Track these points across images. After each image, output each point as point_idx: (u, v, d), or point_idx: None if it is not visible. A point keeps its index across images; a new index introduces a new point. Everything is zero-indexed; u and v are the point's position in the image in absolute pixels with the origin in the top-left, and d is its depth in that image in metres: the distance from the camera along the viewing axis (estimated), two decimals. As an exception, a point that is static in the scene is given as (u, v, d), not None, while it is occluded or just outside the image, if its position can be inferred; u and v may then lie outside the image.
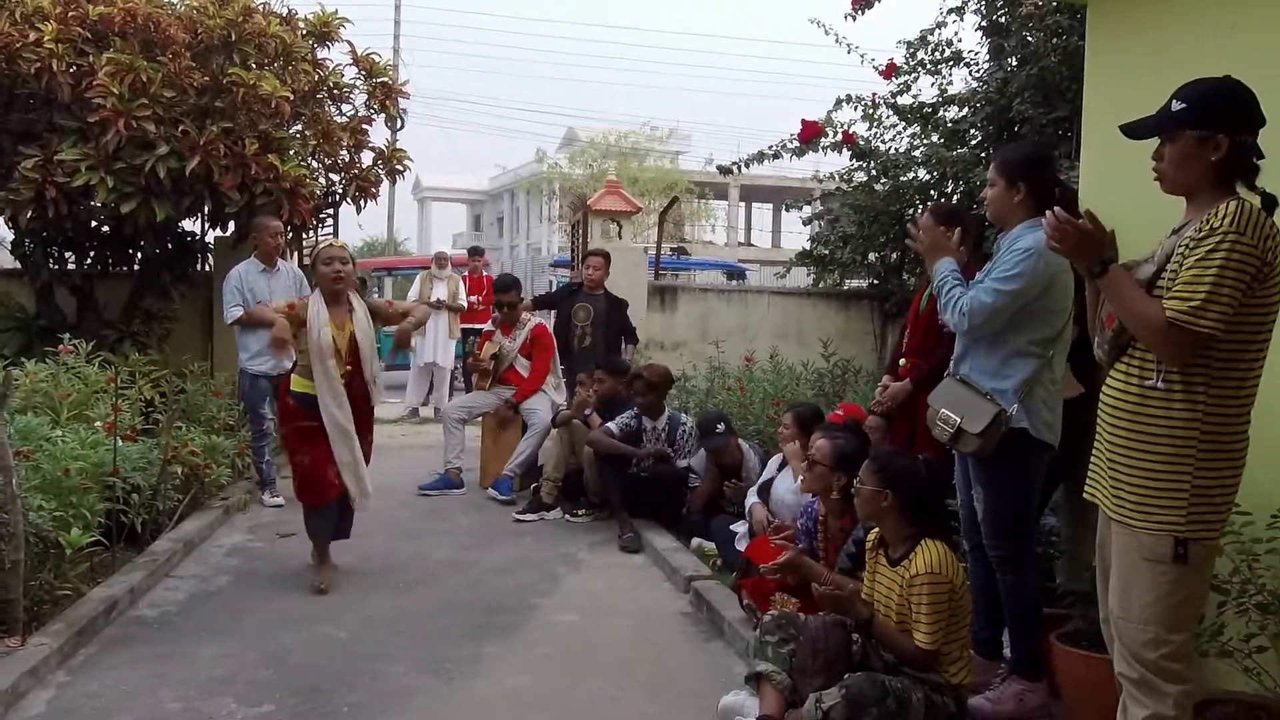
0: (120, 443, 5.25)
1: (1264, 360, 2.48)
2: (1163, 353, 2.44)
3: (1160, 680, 2.48)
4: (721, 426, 5.97)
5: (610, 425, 6.39)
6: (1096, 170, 4.04)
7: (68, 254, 8.17)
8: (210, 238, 8.65)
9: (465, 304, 11.42)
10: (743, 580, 4.42)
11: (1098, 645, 3.04)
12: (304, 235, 8.88)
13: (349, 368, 4.94)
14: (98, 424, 5.46)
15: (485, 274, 12.09)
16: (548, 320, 7.99)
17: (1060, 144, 6.20)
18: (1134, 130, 2.60)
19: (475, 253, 12.95)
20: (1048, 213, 2.55)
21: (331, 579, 5.07)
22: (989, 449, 3.36)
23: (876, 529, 3.54)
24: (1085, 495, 2.74)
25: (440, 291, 11.25)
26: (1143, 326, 2.45)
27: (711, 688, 3.77)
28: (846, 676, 3.21)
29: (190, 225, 8.34)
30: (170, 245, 8.19)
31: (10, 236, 7.93)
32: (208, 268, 8.78)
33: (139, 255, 8.23)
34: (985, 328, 3.39)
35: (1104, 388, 2.63)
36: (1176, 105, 2.50)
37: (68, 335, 6.67)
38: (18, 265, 8.22)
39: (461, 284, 11.57)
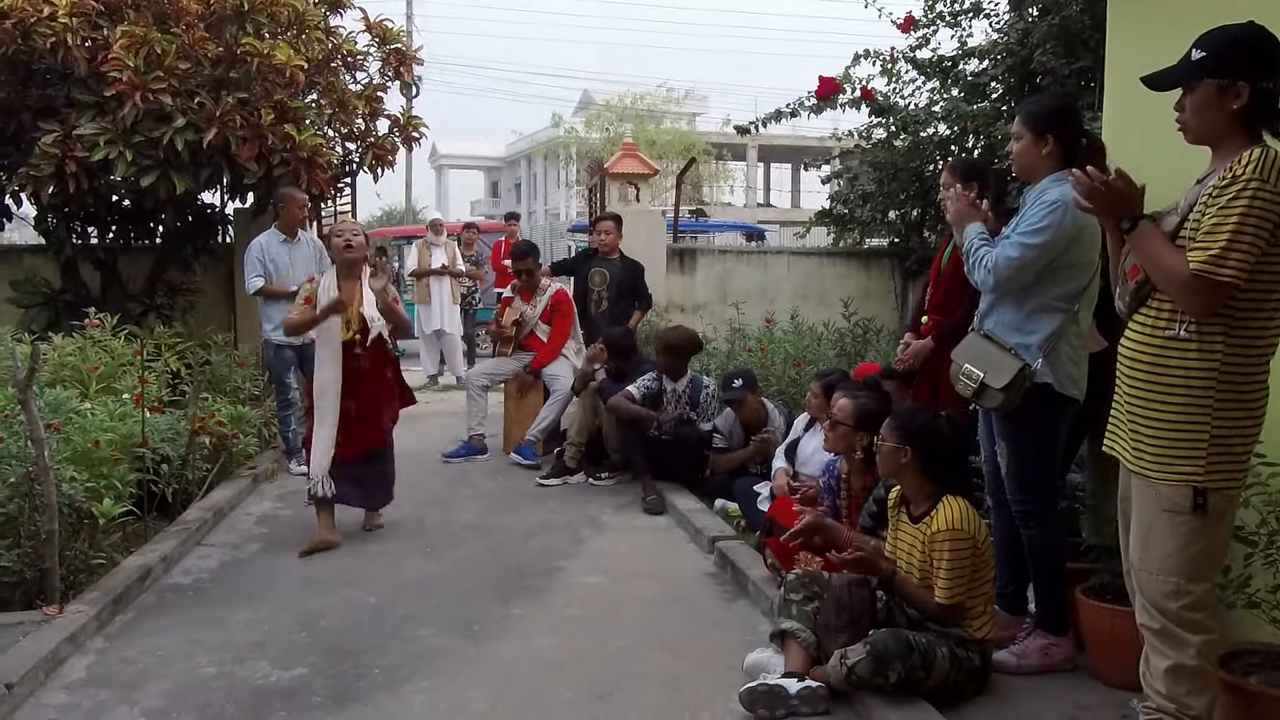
0: (148, 414, 5.32)
1: None
2: (1188, 305, 2.42)
3: (1182, 630, 2.49)
4: (739, 382, 5.98)
5: (631, 389, 6.40)
6: (1120, 121, 3.98)
7: (90, 229, 8.25)
8: (230, 209, 8.69)
9: (464, 269, 11.49)
10: (767, 539, 4.44)
11: (1123, 599, 3.04)
12: (322, 205, 8.90)
13: (359, 335, 5.06)
14: (125, 396, 5.54)
15: (520, 238, 12.14)
16: (568, 286, 7.99)
17: (1083, 95, 6.10)
18: (1155, 82, 2.57)
19: (511, 218, 13.15)
20: (1074, 171, 2.52)
21: (320, 543, 5.14)
22: (1012, 404, 3.35)
23: (898, 487, 3.54)
24: (1105, 448, 2.74)
25: (439, 258, 11.29)
26: (1169, 280, 2.43)
27: (737, 646, 3.81)
28: (871, 633, 3.23)
29: (210, 198, 8.39)
30: (191, 218, 8.24)
31: (33, 213, 8.00)
32: (229, 239, 8.83)
33: (160, 228, 8.30)
34: (1013, 283, 3.35)
35: (1123, 339, 2.62)
36: (1196, 54, 2.47)
37: (93, 309, 6.74)
38: (42, 241, 8.29)
39: (459, 250, 11.65)
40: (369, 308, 5.09)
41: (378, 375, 5.25)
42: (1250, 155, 2.36)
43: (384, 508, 5.55)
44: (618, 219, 7.92)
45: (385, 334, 5.18)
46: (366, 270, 5.21)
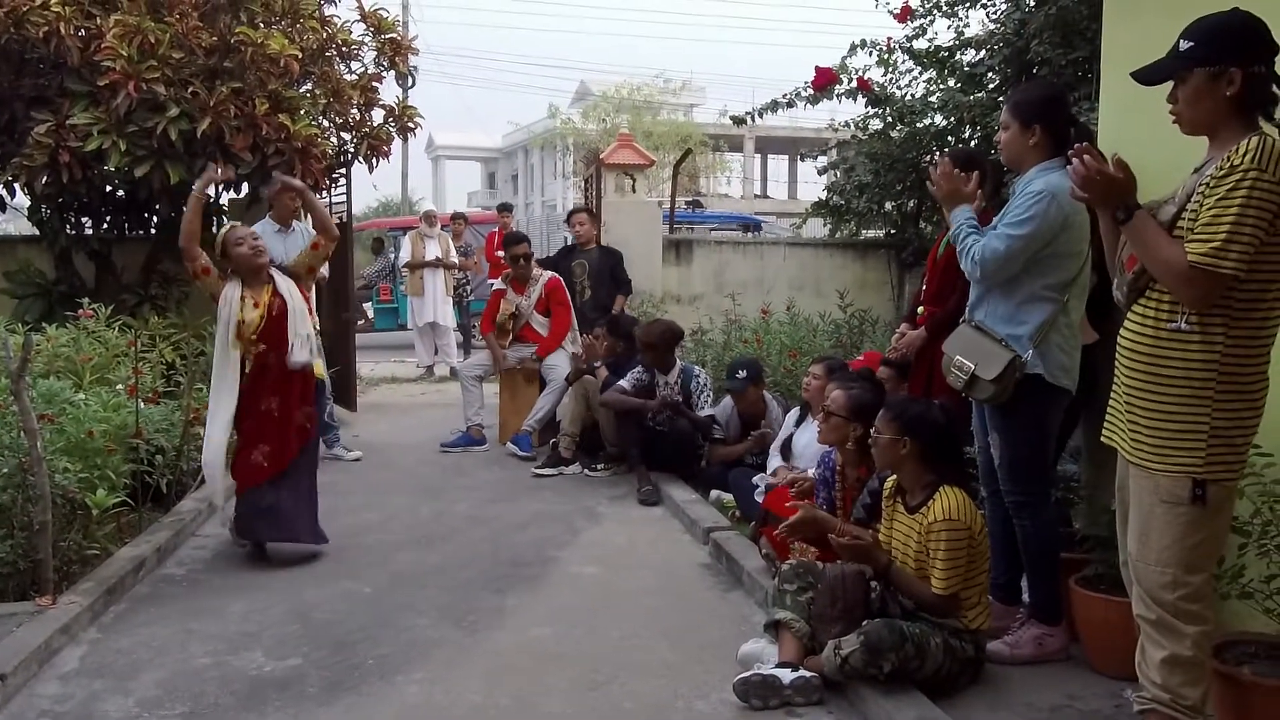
0: (142, 405, 5.31)
1: None
2: (1185, 296, 2.41)
3: (1178, 621, 2.49)
4: (743, 372, 5.97)
5: (622, 382, 6.41)
6: (1116, 111, 3.97)
7: (84, 219, 8.20)
8: (225, 200, 8.66)
9: (457, 261, 11.53)
10: (762, 530, 4.44)
11: (1116, 589, 3.05)
12: (318, 195, 8.86)
13: (263, 346, 4.68)
14: (120, 387, 5.52)
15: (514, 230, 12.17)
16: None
17: (1080, 85, 6.09)
18: (1145, 76, 2.56)
19: (504, 209, 13.13)
20: (1073, 159, 2.51)
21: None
22: (1003, 395, 3.35)
23: (893, 476, 3.54)
24: (1103, 439, 2.73)
25: (433, 250, 11.29)
26: (1165, 271, 2.42)
27: (732, 636, 3.81)
28: (865, 623, 3.24)
29: (205, 188, 8.33)
30: (185, 208, 8.19)
31: (27, 203, 7.96)
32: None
33: (155, 219, 8.25)
34: (999, 274, 3.35)
35: (1122, 330, 2.61)
36: (1184, 44, 2.47)
37: (87, 300, 6.72)
38: (36, 232, 8.26)
39: (452, 242, 11.67)
40: (296, 314, 4.70)
41: (287, 376, 4.74)
42: (1248, 144, 2.35)
43: (308, 545, 4.84)
44: (590, 211, 8.22)
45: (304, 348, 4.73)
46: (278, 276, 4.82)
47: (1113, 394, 2.67)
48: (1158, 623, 2.53)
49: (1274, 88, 2.44)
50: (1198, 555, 2.49)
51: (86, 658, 3.68)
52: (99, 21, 6.73)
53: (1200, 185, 2.43)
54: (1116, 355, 2.63)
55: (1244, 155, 2.33)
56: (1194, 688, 2.51)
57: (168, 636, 3.88)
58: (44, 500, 3.96)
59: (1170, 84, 2.53)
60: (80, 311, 6.45)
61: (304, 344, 4.74)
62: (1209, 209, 2.36)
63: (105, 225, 8.27)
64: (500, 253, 11.51)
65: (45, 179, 6.80)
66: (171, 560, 4.83)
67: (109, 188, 7.66)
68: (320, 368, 4.99)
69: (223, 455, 4.70)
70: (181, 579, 4.60)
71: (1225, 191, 2.34)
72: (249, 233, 4.87)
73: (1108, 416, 2.71)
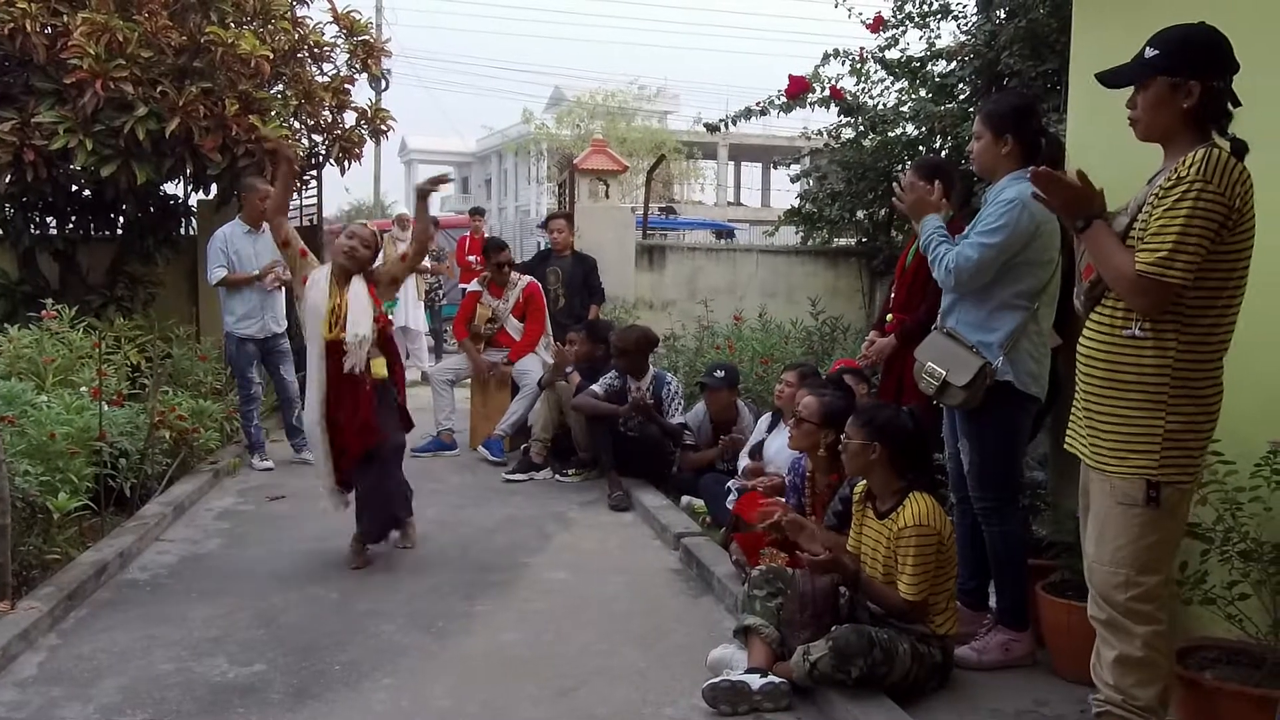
0: (106, 407, 5.23)
1: (1238, 306, 2.50)
2: (1136, 304, 2.47)
3: (1128, 621, 2.53)
4: (721, 373, 5.98)
5: (595, 387, 6.41)
6: (1084, 123, 4.01)
7: (49, 219, 8.09)
8: (193, 201, 8.57)
9: (429, 265, 11.46)
10: (733, 535, 4.44)
11: (1082, 595, 3.06)
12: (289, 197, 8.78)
13: (344, 336, 4.62)
14: (83, 389, 5.44)
15: (485, 234, 12.10)
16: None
17: (1049, 97, 6.16)
18: (1109, 78, 2.61)
19: (476, 213, 13.05)
20: (1031, 170, 2.56)
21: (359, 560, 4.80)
22: (974, 402, 3.38)
23: (863, 482, 3.55)
24: (1066, 447, 2.77)
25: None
26: (1117, 279, 2.48)
27: (701, 641, 3.80)
28: (834, 629, 3.24)
29: (173, 188, 8.26)
30: (153, 209, 8.11)
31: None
32: (191, 231, 8.70)
33: (121, 219, 8.15)
34: (973, 282, 3.38)
35: (1080, 338, 2.66)
36: (1149, 52, 2.51)
37: (50, 301, 6.62)
38: (-1, 231, 8.13)
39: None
40: (357, 312, 4.64)
41: (365, 383, 4.68)
42: (1194, 156, 2.40)
43: (390, 530, 4.96)
44: (569, 217, 8.06)
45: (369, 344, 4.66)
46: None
47: (1074, 401, 2.71)
48: (1108, 622, 2.56)
49: (1229, 104, 2.49)
50: (1151, 556, 2.53)
51: (45, 664, 3.61)
52: (66, 19, 6.65)
53: (1150, 196, 2.49)
54: (1076, 362, 2.67)
55: (1190, 167, 2.39)
56: (1145, 689, 2.53)
57: (129, 642, 3.81)
58: (3, 503, 3.89)
59: (1131, 88, 2.57)
60: (43, 312, 6.36)
61: (358, 346, 4.59)
62: (1157, 219, 2.42)
63: (70, 225, 8.16)
64: (471, 258, 11.48)
65: (9, 177, 6.71)
66: (134, 565, 4.75)
67: (74, 187, 7.58)
68: (380, 367, 4.76)
69: (319, 423, 4.66)
70: (145, 584, 4.53)
71: (1172, 202, 2.39)
72: (356, 231, 4.90)
73: (1070, 424, 2.75)
